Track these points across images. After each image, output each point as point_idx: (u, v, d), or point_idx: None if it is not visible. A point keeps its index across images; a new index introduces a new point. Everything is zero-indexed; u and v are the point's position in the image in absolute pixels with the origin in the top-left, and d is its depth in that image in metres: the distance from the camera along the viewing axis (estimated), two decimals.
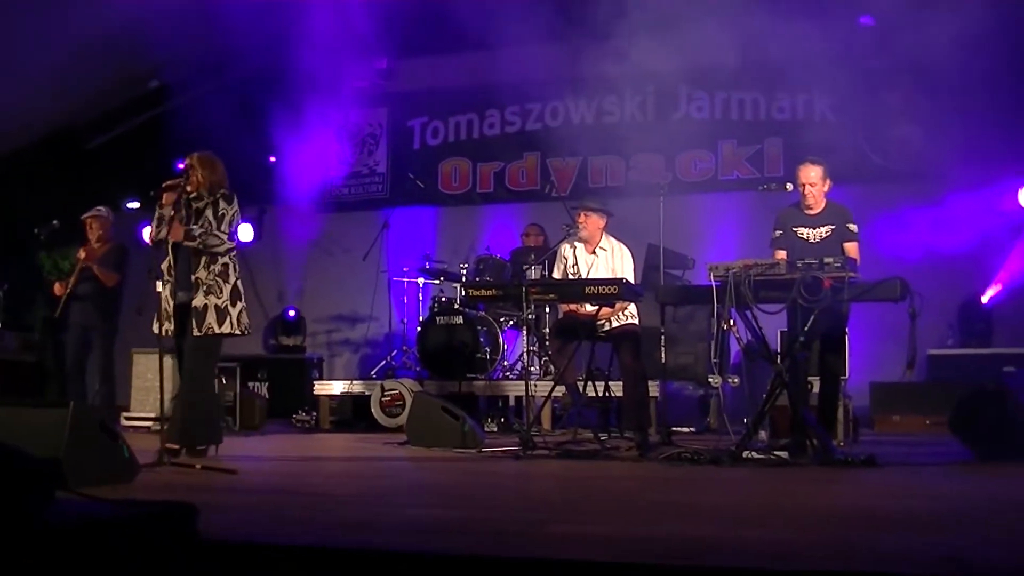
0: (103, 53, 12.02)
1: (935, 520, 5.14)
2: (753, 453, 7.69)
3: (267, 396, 13.21)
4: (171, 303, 7.93)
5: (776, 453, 7.77)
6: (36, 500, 3.57)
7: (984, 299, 12.21)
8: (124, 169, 14.21)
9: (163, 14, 11.77)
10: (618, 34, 13.21)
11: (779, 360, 8.01)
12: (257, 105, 14.27)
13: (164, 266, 8.03)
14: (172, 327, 7.94)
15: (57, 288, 10.72)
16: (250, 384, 13.08)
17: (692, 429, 11.04)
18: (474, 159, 15.15)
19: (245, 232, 14.96)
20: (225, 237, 7.97)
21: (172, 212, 7.80)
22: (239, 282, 8.10)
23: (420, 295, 13.05)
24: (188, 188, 7.98)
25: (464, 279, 12.13)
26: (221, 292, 7.93)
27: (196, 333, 7.84)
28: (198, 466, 7.31)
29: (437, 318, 12.10)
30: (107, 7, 11.36)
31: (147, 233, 8.39)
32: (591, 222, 9.57)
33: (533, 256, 11.87)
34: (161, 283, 7.96)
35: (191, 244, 7.85)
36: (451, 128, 15.30)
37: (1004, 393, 8.16)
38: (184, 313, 7.93)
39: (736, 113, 13.96)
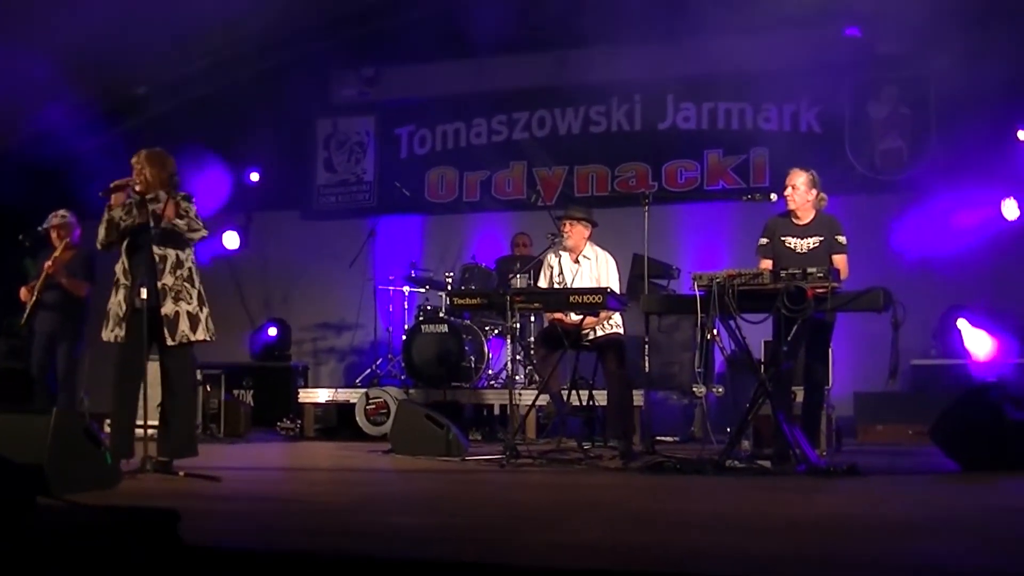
0: (87, 59, 11.98)
1: (916, 529, 5.16)
2: (736, 462, 7.71)
3: (252, 404, 13.16)
4: (124, 308, 7.60)
5: (759, 462, 7.80)
6: (16, 506, 3.57)
7: (960, 324, 12.13)
8: (109, 175, 14.17)
9: (146, 22, 11.76)
10: (606, 44, 13.27)
11: (763, 370, 8.03)
12: (244, 112, 14.27)
13: (119, 269, 7.71)
14: (123, 333, 7.59)
15: (23, 294, 10.53)
16: (235, 391, 13.03)
17: (676, 438, 11.05)
18: (460, 168, 15.12)
19: (231, 240, 14.95)
20: (203, 225, 7.69)
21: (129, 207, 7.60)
22: (202, 287, 7.79)
23: (406, 303, 13.04)
24: (137, 188, 7.64)
25: (450, 288, 12.11)
26: (191, 298, 7.64)
27: (170, 342, 7.53)
28: (181, 473, 7.30)
29: (423, 326, 12.09)
30: (90, 16, 11.31)
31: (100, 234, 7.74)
32: (576, 231, 9.58)
33: (519, 265, 11.88)
34: (115, 288, 7.68)
35: (179, 224, 7.52)
36: (438, 137, 15.27)
37: (985, 403, 8.18)
38: (140, 319, 7.50)
39: (723, 123, 13.96)
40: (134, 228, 7.67)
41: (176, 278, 7.60)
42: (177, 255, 7.66)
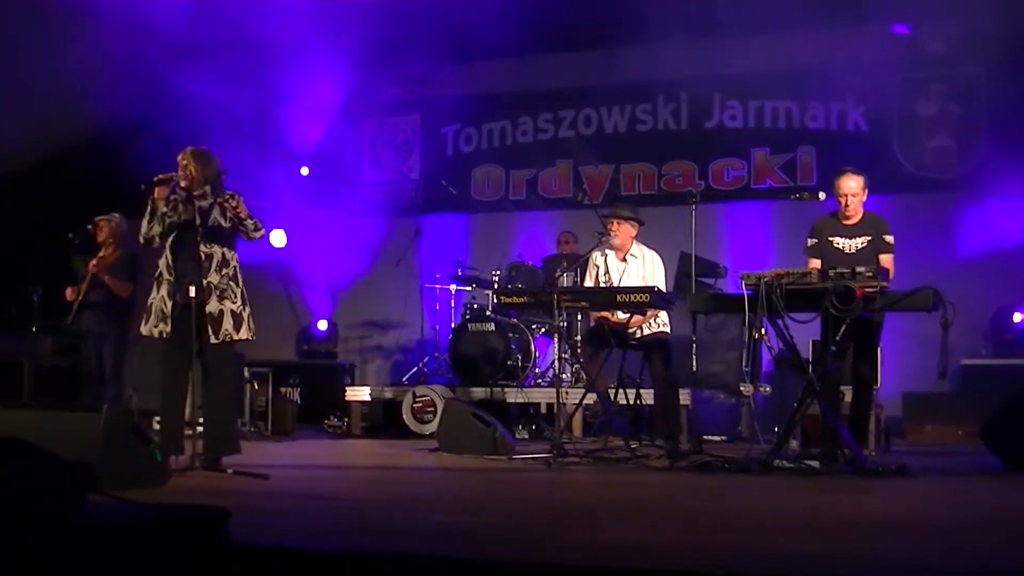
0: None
1: (963, 530, 5.13)
2: (784, 462, 7.67)
3: (299, 401, 13.21)
4: (168, 304, 7.62)
5: (807, 462, 7.75)
6: (66, 502, 3.60)
7: (1016, 318, 12.07)
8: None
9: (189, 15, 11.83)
10: (652, 42, 13.23)
11: (810, 369, 7.99)
12: (291, 111, 14.33)
13: (162, 264, 7.72)
14: (168, 328, 7.61)
15: (69, 293, 10.62)
16: (282, 389, 13.08)
17: (723, 438, 10.99)
18: (506, 166, 15.13)
19: (278, 238, 15.03)
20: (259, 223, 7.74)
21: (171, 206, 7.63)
22: (243, 286, 7.79)
23: (452, 302, 13.04)
24: (183, 184, 7.66)
25: (496, 286, 12.11)
26: (236, 296, 7.67)
27: (214, 340, 7.54)
28: (230, 471, 7.34)
29: (469, 325, 12.10)
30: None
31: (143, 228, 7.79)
32: (623, 230, 9.55)
33: (565, 263, 11.86)
34: (157, 283, 7.70)
35: (246, 225, 7.61)
36: (484, 135, 15.29)
37: None
38: (185, 315, 7.53)
39: (769, 121, 13.90)
40: (179, 224, 7.70)
41: (222, 276, 7.64)
42: (223, 253, 7.70)
